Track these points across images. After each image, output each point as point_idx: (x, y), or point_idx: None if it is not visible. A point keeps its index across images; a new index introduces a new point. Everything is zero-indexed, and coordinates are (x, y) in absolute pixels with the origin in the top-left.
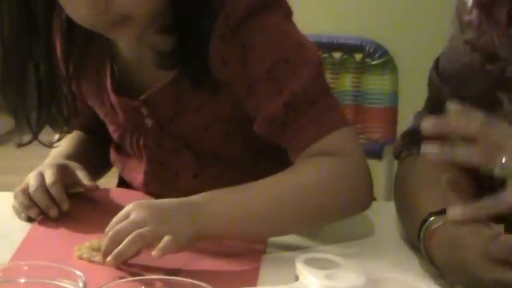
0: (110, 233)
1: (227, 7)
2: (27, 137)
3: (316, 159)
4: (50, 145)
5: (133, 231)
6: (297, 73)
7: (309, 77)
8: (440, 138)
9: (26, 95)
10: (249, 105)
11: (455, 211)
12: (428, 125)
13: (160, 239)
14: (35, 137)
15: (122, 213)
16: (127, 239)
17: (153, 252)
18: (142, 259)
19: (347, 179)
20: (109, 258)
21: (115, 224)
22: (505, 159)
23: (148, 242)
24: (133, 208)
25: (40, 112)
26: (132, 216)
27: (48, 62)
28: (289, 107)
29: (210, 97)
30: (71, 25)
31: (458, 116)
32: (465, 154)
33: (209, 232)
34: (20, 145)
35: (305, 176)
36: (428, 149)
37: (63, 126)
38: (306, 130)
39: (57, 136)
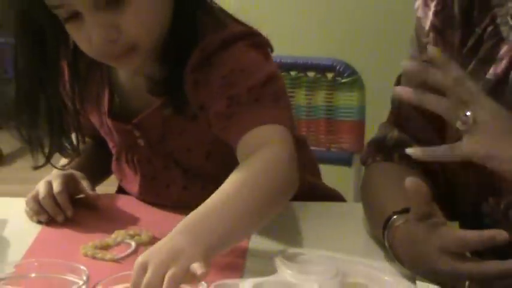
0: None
1: (205, 40)
2: (41, 160)
3: (253, 155)
4: (62, 168)
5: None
6: (248, 78)
7: (257, 82)
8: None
9: (39, 126)
10: (208, 112)
11: (416, 151)
12: (408, 65)
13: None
14: (48, 161)
15: (138, 268)
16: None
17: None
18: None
19: (277, 166)
20: None
21: (136, 278)
22: (467, 115)
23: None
24: (143, 259)
25: (51, 141)
26: (150, 271)
27: (58, 94)
28: (232, 100)
29: (191, 122)
30: (75, 54)
31: (436, 65)
32: (435, 103)
33: (215, 244)
34: (35, 168)
35: (254, 173)
36: (412, 152)
37: (71, 155)
38: (243, 120)
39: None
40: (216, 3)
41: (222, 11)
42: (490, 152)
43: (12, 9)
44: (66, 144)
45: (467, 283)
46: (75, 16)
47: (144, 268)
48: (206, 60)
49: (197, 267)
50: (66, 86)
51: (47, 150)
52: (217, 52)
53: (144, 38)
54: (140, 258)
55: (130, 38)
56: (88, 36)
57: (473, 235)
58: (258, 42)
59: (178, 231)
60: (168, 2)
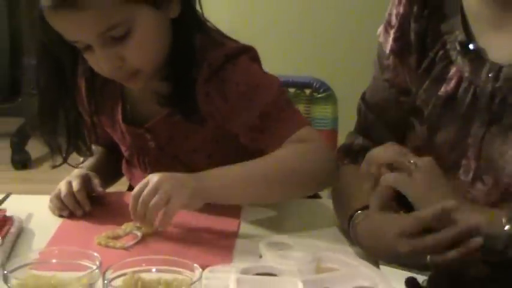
0: (140, 200)
1: (209, 58)
2: (60, 160)
3: (291, 144)
4: (76, 166)
5: (154, 196)
6: (265, 93)
7: (274, 94)
8: None
9: (58, 132)
10: (232, 123)
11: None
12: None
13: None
14: (65, 161)
15: (143, 181)
16: (152, 203)
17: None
18: (141, 249)
19: (314, 156)
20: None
21: (140, 187)
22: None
23: (166, 201)
24: (151, 176)
25: (68, 144)
26: (151, 182)
27: (74, 106)
28: (263, 116)
29: (196, 127)
30: (92, 73)
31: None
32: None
33: (210, 192)
34: (54, 167)
35: (284, 155)
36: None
37: (85, 153)
38: (280, 130)
39: (81, 159)
40: (211, 24)
41: (217, 31)
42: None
43: (34, 40)
44: (82, 145)
45: (428, 257)
46: (89, 48)
47: (145, 184)
48: (214, 74)
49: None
50: (84, 102)
51: (64, 152)
52: (223, 66)
53: (145, 64)
54: (151, 175)
55: (133, 65)
56: (98, 62)
57: (425, 211)
58: (255, 56)
59: (186, 174)
60: (166, 29)
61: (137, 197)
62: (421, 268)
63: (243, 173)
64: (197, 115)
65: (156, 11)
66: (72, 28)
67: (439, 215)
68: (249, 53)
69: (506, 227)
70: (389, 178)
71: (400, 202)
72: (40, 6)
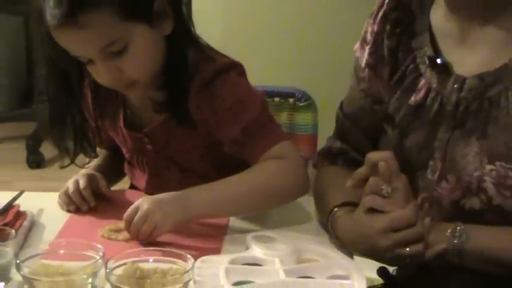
0: (132, 224)
1: (201, 71)
2: (68, 161)
3: (267, 161)
4: (83, 166)
5: (145, 220)
6: (249, 109)
7: (257, 110)
8: None
9: (66, 135)
10: (218, 134)
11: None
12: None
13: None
14: (72, 161)
15: (134, 205)
16: (141, 231)
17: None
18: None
19: (287, 173)
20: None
21: (131, 211)
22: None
23: (152, 229)
24: (141, 202)
25: (75, 146)
26: (141, 210)
27: (80, 112)
28: (245, 131)
29: (189, 132)
30: (96, 83)
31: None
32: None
33: (198, 212)
34: (62, 167)
35: (260, 172)
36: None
37: (91, 154)
38: (259, 145)
39: (87, 160)
40: (203, 40)
41: (208, 47)
42: None
43: (43, 54)
44: (87, 147)
45: (407, 249)
46: (91, 61)
47: (136, 209)
48: (205, 87)
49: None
50: (90, 109)
51: (72, 154)
52: (213, 80)
53: (141, 76)
54: (141, 199)
55: (130, 77)
56: (99, 74)
57: (402, 210)
58: (242, 71)
59: (176, 196)
60: (160, 45)
61: (129, 221)
62: (395, 262)
63: (228, 190)
64: (190, 121)
65: (151, 28)
66: (76, 44)
67: (417, 211)
68: (237, 69)
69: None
70: (368, 200)
71: None
72: (47, 25)
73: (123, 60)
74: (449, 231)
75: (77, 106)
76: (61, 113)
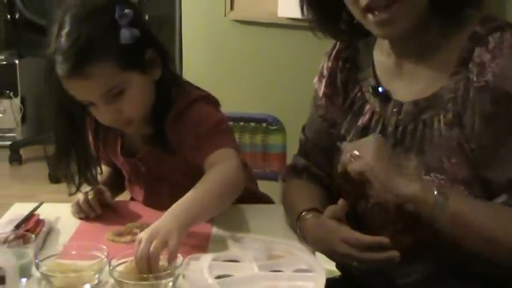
0: (139, 257)
1: (177, 103)
2: (74, 189)
3: (216, 166)
4: (86, 193)
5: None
6: (206, 122)
7: (212, 123)
8: None
9: (71, 167)
10: (184, 149)
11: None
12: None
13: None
14: (77, 189)
15: (137, 241)
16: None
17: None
18: None
19: (228, 174)
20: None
21: (144, 248)
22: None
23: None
24: (143, 236)
25: (79, 177)
26: (143, 243)
27: (83, 147)
28: (198, 138)
29: (171, 155)
30: (96, 122)
31: None
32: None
33: (192, 221)
34: (70, 194)
35: (212, 180)
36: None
37: (93, 183)
38: (205, 149)
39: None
40: (184, 78)
41: (187, 82)
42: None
43: (52, 98)
44: (90, 177)
45: (355, 263)
46: (93, 104)
47: (140, 241)
48: (179, 116)
49: (171, 241)
50: (91, 142)
51: (77, 183)
52: (186, 110)
53: (136, 115)
54: (140, 235)
55: (127, 117)
56: (101, 115)
57: (367, 239)
58: (211, 101)
59: (165, 215)
60: (151, 87)
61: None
62: (347, 264)
63: (203, 196)
64: (169, 148)
65: (143, 76)
66: (82, 92)
67: (374, 245)
68: (207, 99)
69: (438, 198)
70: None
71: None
72: (57, 75)
73: (122, 103)
74: (435, 191)
75: (81, 142)
76: (66, 148)
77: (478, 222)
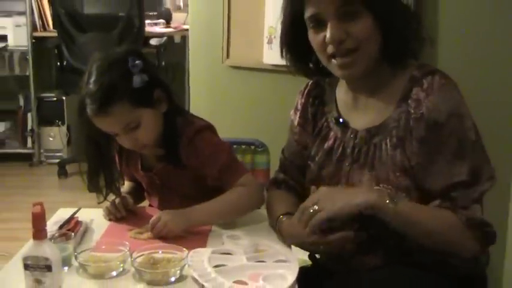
0: (155, 230)
1: (186, 132)
2: (101, 198)
3: (237, 188)
4: (114, 200)
5: (164, 227)
6: (222, 155)
7: (227, 156)
8: None
9: (99, 183)
10: (203, 172)
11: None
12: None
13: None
14: (105, 199)
15: (157, 216)
16: (164, 231)
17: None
18: (154, 240)
19: (250, 194)
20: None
21: (156, 220)
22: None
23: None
24: (161, 215)
25: (107, 190)
26: (162, 220)
27: (109, 168)
28: (220, 171)
29: (182, 171)
30: (120, 146)
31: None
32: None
33: (196, 221)
34: (99, 203)
35: (233, 195)
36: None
37: (117, 194)
38: (231, 179)
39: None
40: (185, 110)
41: (188, 113)
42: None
43: (82, 131)
44: (114, 190)
45: (321, 247)
46: (117, 134)
47: (158, 218)
48: (190, 142)
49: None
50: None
51: (104, 194)
52: (195, 137)
53: (149, 141)
54: (160, 212)
55: (143, 143)
56: (123, 142)
57: (334, 236)
58: (214, 130)
59: (182, 210)
60: (160, 118)
61: (155, 223)
62: (314, 250)
63: (215, 207)
64: (180, 165)
65: (153, 110)
66: (106, 125)
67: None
68: (210, 129)
69: (390, 204)
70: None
71: None
72: (87, 113)
73: (137, 133)
74: (387, 198)
75: (106, 163)
76: (95, 169)
77: (420, 220)
